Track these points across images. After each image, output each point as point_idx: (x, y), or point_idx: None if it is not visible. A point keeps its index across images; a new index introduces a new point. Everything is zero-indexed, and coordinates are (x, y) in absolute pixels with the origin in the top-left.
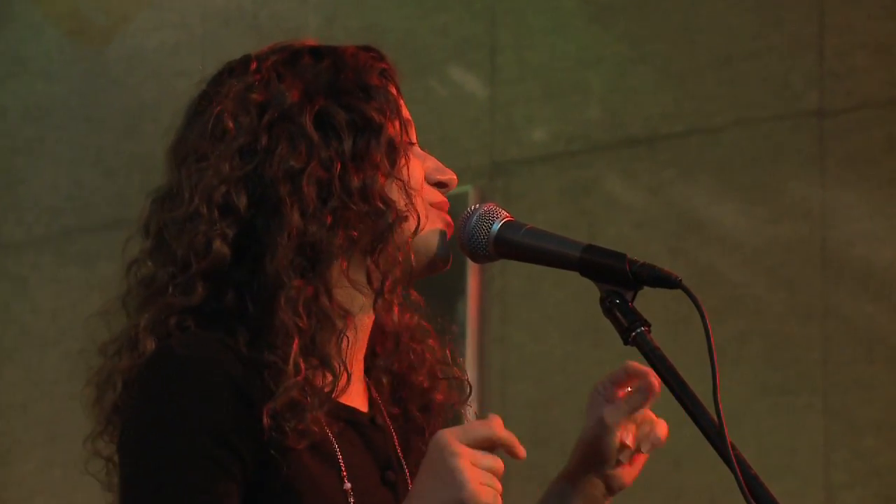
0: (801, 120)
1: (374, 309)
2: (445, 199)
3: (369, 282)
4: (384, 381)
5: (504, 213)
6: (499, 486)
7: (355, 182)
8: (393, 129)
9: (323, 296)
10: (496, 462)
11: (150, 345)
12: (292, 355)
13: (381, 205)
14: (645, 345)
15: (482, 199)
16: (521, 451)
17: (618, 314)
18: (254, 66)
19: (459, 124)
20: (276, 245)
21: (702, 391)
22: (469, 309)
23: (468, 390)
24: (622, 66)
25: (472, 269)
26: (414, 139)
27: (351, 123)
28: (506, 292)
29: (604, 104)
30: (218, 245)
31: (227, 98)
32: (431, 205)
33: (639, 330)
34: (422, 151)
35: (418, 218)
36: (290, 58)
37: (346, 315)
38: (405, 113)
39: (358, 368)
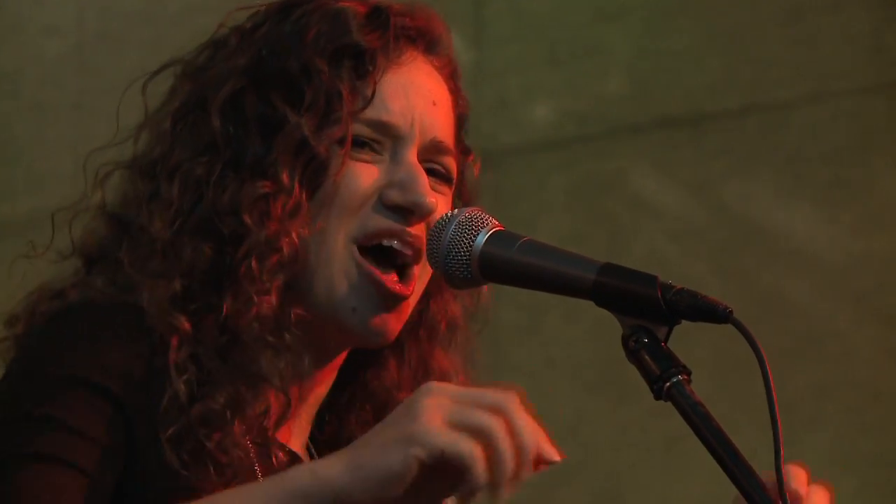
0: None
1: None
2: (403, 228)
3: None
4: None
5: (492, 220)
6: (480, 444)
7: (227, 192)
8: (312, 127)
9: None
10: (483, 418)
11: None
12: (172, 357)
13: (243, 226)
14: (683, 400)
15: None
16: (551, 451)
17: (647, 358)
18: (229, 20)
19: None
20: (132, 241)
21: (762, 463)
22: None
23: None
24: (654, 21)
25: None
26: (377, 137)
27: (260, 118)
28: (497, 328)
29: (629, 72)
30: (97, 224)
31: (181, 63)
32: (363, 238)
33: (675, 379)
34: (410, 159)
35: (296, 252)
36: (279, 13)
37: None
38: (395, 106)
39: (305, 410)
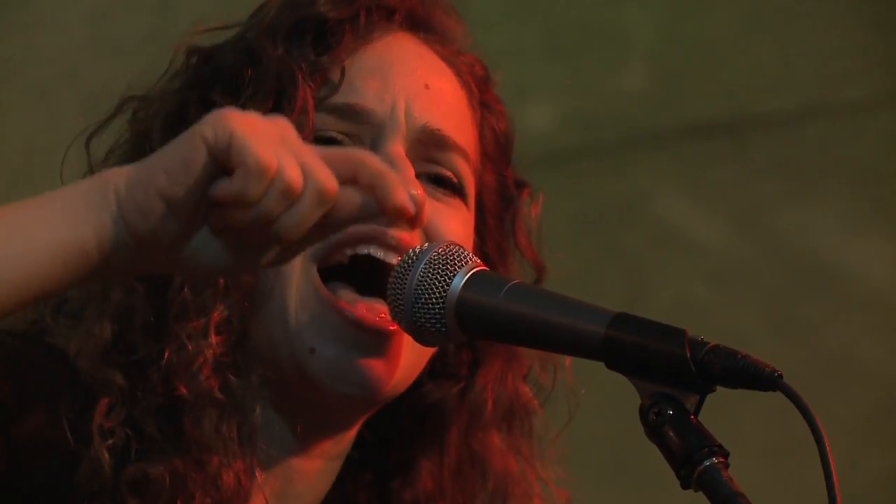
0: None
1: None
2: (384, 230)
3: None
4: None
5: (473, 258)
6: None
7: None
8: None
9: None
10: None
11: None
12: (97, 420)
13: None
14: (719, 489)
15: None
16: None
17: (671, 435)
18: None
19: None
20: None
21: None
22: None
23: None
24: (686, 1)
25: None
26: (348, 128)
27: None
28: None
29: (653, 66)
30: None
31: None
32: (324, 253)
33: (707, 463)
34: (392, 150)
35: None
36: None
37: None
38: (368, 88)
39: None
